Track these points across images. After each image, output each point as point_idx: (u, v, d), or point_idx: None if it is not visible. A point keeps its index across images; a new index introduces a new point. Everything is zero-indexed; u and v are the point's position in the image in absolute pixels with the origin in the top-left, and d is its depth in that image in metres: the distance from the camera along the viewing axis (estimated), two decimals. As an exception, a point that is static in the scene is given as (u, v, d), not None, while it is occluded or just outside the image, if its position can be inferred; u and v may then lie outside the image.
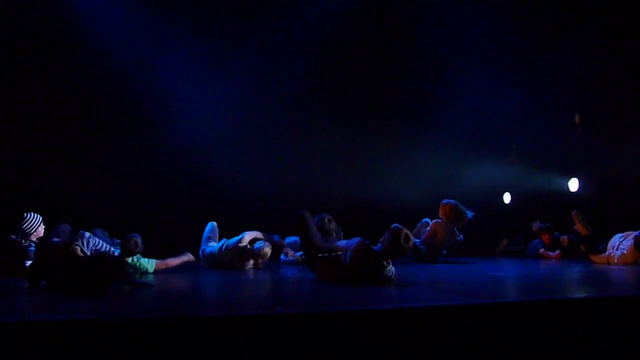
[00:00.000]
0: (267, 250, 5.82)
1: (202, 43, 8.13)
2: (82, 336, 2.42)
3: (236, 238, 5.88)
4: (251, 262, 5.88)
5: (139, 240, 5.10)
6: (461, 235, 6.85)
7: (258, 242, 5.88)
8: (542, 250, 7.39)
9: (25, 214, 5.34)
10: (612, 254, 6.07)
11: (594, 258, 6.28)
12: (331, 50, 8.51)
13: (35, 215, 5.39)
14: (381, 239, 4.18)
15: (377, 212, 7.57)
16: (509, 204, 8.94)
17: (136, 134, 8.04)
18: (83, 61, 7.79)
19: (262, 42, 8.31)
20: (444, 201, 6.76)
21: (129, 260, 5.03)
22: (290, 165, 8.27)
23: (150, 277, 4.89)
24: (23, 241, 5.20)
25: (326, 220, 6.04)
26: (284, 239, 6.55)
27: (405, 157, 8.65)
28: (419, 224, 7.05)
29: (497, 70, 8.91)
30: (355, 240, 4.29)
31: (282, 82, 8.23)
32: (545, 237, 7.42)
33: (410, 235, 4.14)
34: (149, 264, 5.21)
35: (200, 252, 6.14)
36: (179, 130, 7.77)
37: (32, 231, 5.30)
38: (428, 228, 6.78)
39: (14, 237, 5.23)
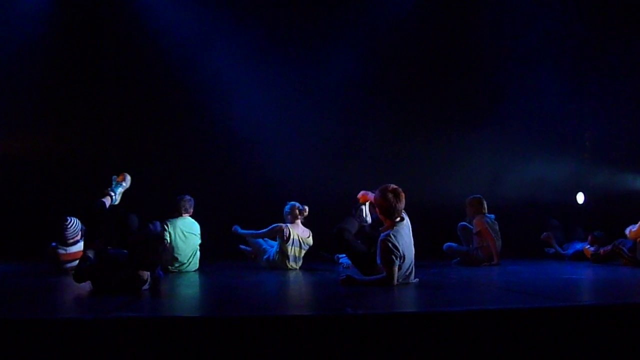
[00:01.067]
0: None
1: (251, 39, 8.33)
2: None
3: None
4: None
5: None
6: None
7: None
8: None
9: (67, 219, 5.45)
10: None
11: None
12: (388, 47, 8.55)
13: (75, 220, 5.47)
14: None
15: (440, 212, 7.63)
16: (583, 203, 8.64)
17: (185, 126, 8.37)
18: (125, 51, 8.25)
19: (314, 40, 8.43)
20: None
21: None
22: (337, 165, 8.33)
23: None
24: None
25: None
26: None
27: (474, 158, 8.56)
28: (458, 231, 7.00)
29: (566, 66, 8.70)
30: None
31: (333, 80, 8.34)
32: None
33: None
34: None
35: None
36: (222, 125, 8.12)
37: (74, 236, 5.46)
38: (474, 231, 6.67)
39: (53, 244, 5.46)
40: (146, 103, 8.29)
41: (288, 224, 6.25)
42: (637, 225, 6.19)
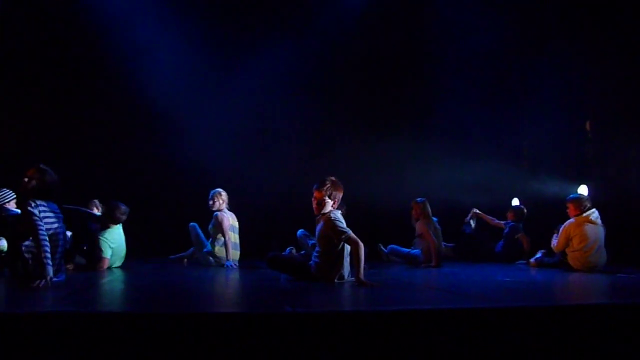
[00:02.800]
0: None
1: (214, 44, 8.40)
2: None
3: None
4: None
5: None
6: None
7: None
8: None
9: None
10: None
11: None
12: (339, 47, 8.75)
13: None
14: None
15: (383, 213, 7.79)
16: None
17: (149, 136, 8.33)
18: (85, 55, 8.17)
19: (277, 44, 8.48)
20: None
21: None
22: (306, 169, 8.43)
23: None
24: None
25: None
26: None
27: (419, 162, 8.79)
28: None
29: (508, 74, 9.08)
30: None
31: (279, 78, 8.45)
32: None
33: None
34: None
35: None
36: (190, 135, 8.11)
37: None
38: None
39: None
40: (75, 96, 8.25)
41: (223, 212, 6.30)
42: (557, 238, 6.39)
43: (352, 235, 4.38)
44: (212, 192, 6.50)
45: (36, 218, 4.00)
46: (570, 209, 6.39)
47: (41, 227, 4.00)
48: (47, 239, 3.99)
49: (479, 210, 8.25)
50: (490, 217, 8.25)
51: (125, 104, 8.25)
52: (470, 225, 8.18)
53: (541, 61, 8.75)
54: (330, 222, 4.44)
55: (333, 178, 4.62)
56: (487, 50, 8.67)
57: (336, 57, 8.74)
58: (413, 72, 9.10)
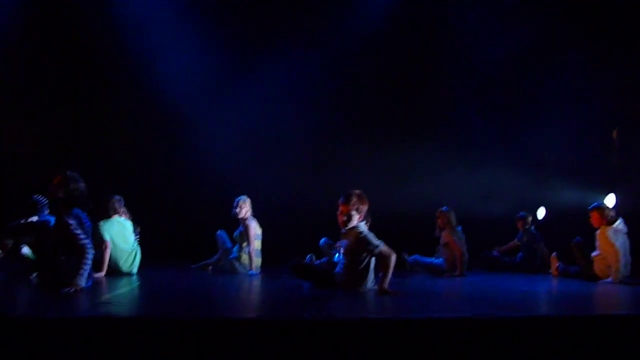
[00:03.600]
0: None
1: (227, 46, 8.45)
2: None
3: None
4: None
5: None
6: None
7: None
8: None
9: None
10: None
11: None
12: (355, 55, 8.70)
13: None
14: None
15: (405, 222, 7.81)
16: (542, 219, 8.89)
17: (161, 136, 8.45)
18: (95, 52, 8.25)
19: (290, 49, 8.52)
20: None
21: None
22: (300, 172, 8.51)
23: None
24: None
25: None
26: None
27: (440, 170, 8.75)
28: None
29: (531, 81, 8.99)
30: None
31: (296, 86, 8.47)
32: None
33: None
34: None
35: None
36: (207, 141, 8.19)
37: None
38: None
39: None
40: (90, 100, 8.34)
41: (249, 219, 6.37)
42: (599, 249, 6.21)
43: (385, 248, 4.40)
44: (238, 199, 6.50)
45: (75, 229, 4.09)
46: (594, 217, 6.29)
47: (83, 238, 4.10)
48: (91, 249, 4.11)
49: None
50: (507, 246, 8.24)
51: (147, 112, 8.33)
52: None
53: (565, 68, 8.64)
54: (360, 238, 4.45)
55: (358, 192, 4.63)
56: (508, 57, 8.61)
57: (352, 64, 8.72)
58: (430, 79, 9.01)
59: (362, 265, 4.51)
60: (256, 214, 6.60)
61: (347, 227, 4.57)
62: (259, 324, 2.86)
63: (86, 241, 4.12)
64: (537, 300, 4.33)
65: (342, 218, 4.57)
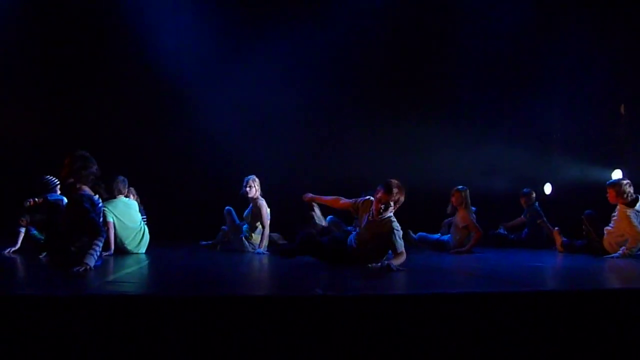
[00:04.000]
0: None
1: (224, 29, 8.42)
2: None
3: None
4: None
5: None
6: None
7: None
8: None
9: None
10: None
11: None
12: (362, 35, 8.68)
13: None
14: None
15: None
16: (549, 194, 8.88)
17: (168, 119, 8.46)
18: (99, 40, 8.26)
19: (288, 28, 8.46)
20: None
21: None
22: (312, 153, 8.56)
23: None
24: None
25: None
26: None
27: (444, 147, 8.73)
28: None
29: (540, 59, 8.91)
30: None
31: (306, 68, 8.44)
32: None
33: None
34: None
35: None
36: (204, 119, 8.20)
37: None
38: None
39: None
40: (108, 87, 8.34)
41: (259, 199, 6.38)
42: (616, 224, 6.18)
43: (404, 251, 4.44)
44: (247, 178, 6.47)
45: (91, 213, 4.10)
46: (611, 194, 6.22)
47: (97, 221, 4.12)
48: (104, 232, 4.14)
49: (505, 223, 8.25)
50: (513, 222, 8.21)
51: (151, 90, 8.31)
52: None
53: (571, 41, 8.55)
54: (391, 232, 4.47)
55: (398, 182, 4.53)
56: (512, 32, 8.53)
57: (355, 40, 8.63)
58: (433, 55, 8.95)
59: (382, 251, 4.63)
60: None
61: (381, 217, 4.54)
62: (270, 300, 2.88)
63: (99, 224, 4.12)
64: (543, 275, 4.34)
65: (379, 206, 4.50)
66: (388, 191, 4.44)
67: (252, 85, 8.43)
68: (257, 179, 6.48)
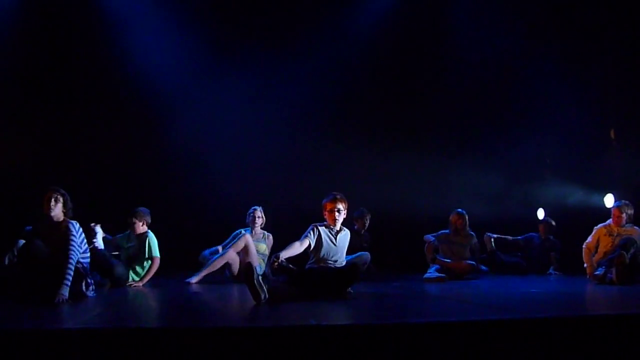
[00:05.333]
0: None
1: (209, 49, 8.34)
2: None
3: None
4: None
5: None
6: None
7: None
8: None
9: None
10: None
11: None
12: (351, 60, 8.66)
13: None
14: None
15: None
16: (542, 219, 8.88)
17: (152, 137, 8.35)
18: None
19: (274, 52, 8.45)
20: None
21: None
22: (295, 178, 8.41)
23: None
24: None
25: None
26: None
27: (434, 174, 8.72)
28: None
29: (532, 83, 8.98)
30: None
31: (294, 91, 8.37)
32: None
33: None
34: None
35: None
36: (177, 136, 8.10)
37: None
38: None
39: None
40: (96, 112, 8.23)
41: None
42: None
43: None
44: (254, 208, 6.40)
45: (74, 238, 4.23)
46: (615, 216, 6.12)
47: (74, 248, 4.19)
48: (73, 260, 4.14)
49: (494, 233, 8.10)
50: (503, 236, 8.08)
51: (135, 112, 8.26)
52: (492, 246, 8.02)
53: (561, 69, 8.66)
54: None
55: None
56: (505, 59, 8.65)
57: (345, 64, 8.61)
58: (425, 81, 8.99)
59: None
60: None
61: (341, 228, 4.68)
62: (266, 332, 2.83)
63: (73, 252, 4.16)
64: (536, 301, 4.31)
65: (333, 215, 4.58)
66: (332, 199, 4.59)
67: (243, 104, 8.39)
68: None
